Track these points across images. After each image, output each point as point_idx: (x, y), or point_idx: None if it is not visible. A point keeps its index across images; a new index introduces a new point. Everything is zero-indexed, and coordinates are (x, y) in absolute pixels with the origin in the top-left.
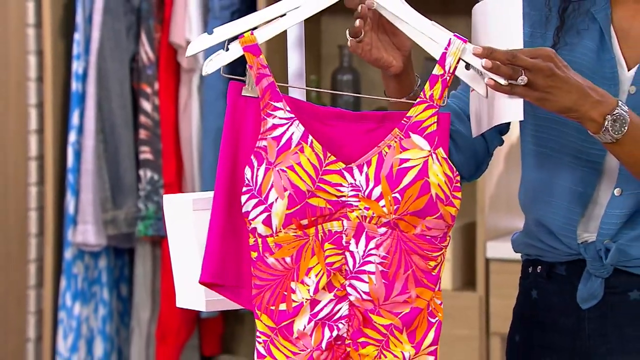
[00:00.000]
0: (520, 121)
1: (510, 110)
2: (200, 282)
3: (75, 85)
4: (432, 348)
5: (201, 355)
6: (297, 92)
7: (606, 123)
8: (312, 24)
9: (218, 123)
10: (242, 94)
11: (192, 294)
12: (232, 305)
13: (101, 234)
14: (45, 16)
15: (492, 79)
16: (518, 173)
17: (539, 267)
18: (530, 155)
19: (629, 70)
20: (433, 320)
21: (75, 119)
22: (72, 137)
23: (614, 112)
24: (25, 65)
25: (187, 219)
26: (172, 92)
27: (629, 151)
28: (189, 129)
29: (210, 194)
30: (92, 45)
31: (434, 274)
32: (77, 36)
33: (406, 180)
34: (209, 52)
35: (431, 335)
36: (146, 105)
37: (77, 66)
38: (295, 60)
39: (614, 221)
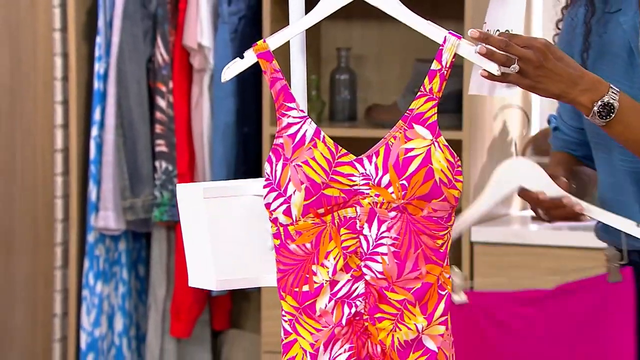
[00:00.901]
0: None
1: (504, 87)
2: None
3: (97, 84)
4: (443, 318)
5: (211, 329)
6: (299, 96)
7: (594, 108)
8: (313, 29)
9: (227, 119)
10: None
11: (203, 274)
12: (240, 285)
13: (120, 219)
14: (70, 21)
15: (485, 70)
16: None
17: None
18: (595, 159)
19: None
20: (443, 293)
21: (97, 115)
22: (94, 131)
23: (603, 99)
24: (52, 66)
25: (198, 205)
26: (185, 90)
27: (620, 132)
28: (200, 124)
29: (220, 183)
30: (112, 48)
31: (441, 250)
32: (99, 40)
33: (412, 168)
34: (219, 49)
35: (441, 306)
36: (161, 103)
37: (98, 67)
38: (298, 64)
39: None
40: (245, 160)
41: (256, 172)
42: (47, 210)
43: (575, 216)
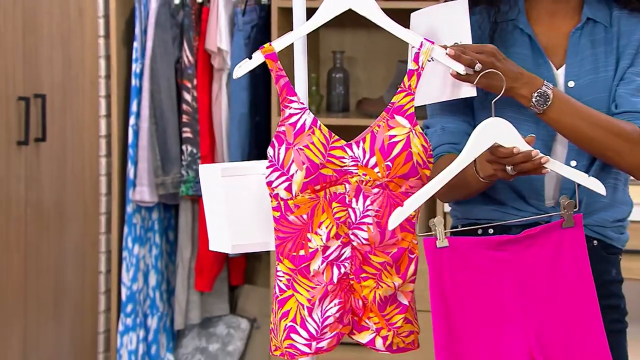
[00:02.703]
0: (478, 111)
1: (469, 87)
2: None
3: (134, 82)
4: (413, 277)
5: (229, 284)
6: (301, 90)
7: (533, 99)
8: (312, 35)
9: (241, 110)
10: (438, 246)
11: (221, 240)
12: (251, 249)
13: (154, 193)
14: (112, 29)
15: (454, 70)
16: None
17: (490, 230)
18: None
19: (557, 70)
20: (412, 256)
21: (134, 106)
22: (132, 120)
23: (539, 90)
24: (97, 67)
25: (217, 183)
26: (207, 86)
27: (556, 119)
28: (219, 114)
29: (235, 164)
30: (146, 51)
31: (413, 221)
32: (136, 44)
33: (395, 151)
34: (235, 52)
35: (412, 267)
36: (187, 97)
37: (135, 67)
38: (300, 64)
39: (572, 186)
40: (256, 144)
41: (266, 155)
42: (93, 186)
43: (538, 168)
